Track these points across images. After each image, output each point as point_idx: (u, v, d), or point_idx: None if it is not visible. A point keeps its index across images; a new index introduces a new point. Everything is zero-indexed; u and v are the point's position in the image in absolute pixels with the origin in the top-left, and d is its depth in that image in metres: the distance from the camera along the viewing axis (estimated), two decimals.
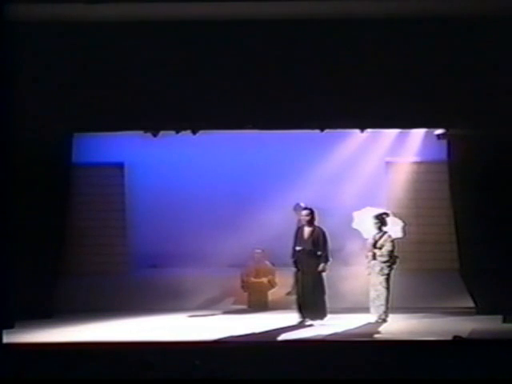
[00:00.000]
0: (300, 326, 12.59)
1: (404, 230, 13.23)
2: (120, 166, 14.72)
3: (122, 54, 12.49)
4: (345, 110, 12.66)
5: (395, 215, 13.32)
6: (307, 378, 9.07)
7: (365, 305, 12.97)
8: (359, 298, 13.20)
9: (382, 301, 12.83)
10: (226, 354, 9.81)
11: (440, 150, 14.02)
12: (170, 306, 14.01)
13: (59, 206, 13.64)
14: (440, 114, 12.78)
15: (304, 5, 11.85)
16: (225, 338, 11.33)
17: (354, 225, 13.38)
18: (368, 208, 13.31)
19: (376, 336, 11.72)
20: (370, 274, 12.97)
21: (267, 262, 14.62)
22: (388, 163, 14.79)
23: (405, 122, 13.14)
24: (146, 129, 13.46)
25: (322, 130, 13.31)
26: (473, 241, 13.47)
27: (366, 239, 13.16)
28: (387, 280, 12.87)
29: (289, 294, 13.78)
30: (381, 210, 13.20)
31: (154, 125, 13.17)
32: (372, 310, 12.90)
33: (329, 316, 12.71)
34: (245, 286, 14.53)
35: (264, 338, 11.61)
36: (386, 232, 13.03)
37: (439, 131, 13.98)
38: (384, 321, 12.78)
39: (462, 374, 9.21)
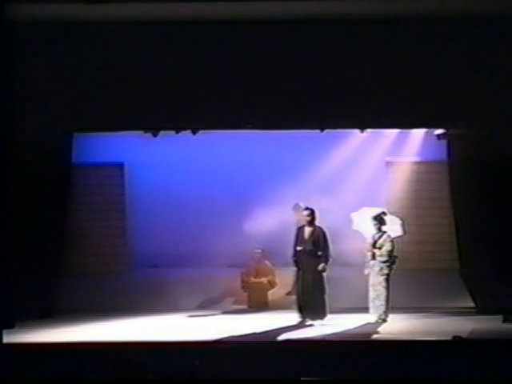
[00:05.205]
0: (300, 325, 12.59)
1: (403, 227, 13.21)
2: (120, 166, 14.70)
3: (122, 53, 12.50)
4: (345, 110, 12.66)
5: (392, 213, 13.32)
6: (307, 378, 9.08)
7: (365, 305, 12.96)
8: (359, 298, 13.19)
9: (382, 301, 12.82)
10: (225, 353, 9.82)
11: (440, 150, 14.02)
12: (170, 306, 13.99)
13: (59, 206, 13.64)
14: (440, 114, 12.78)
15: (304, 5, 11.87)
16: (225, 338, 11.33)
17: (355, 227, 13.35)
18: (364, 208, 13.29)
19: (376, 336, 11.71)
20: (369, 274, 12.97)
21: (267, 262, 14.61)
22: (388, 163, 14.77)
23: (405, 122, 13.14)
24: (145, 129, 13.46)
25: (322, 130, 13.31)
26: (473, 241, 13.48)
27: (366, 239, 13.16)
28: (387, 280, 12.85)
29: (289, 293, 13.76)
30: (377, 210, 13.18)
31: (154, 125, 13.17)
32: (372, 309, 12.89)
33: (329, 316, 12.71)
34: (245, 286, 14.51)
35: (264, 338, 11.60)
36: (385, 232, 13.02)
37: (439, 131, 13.97)
38: (384, 321, 12.77)
39: (462, 373, 9.23)
